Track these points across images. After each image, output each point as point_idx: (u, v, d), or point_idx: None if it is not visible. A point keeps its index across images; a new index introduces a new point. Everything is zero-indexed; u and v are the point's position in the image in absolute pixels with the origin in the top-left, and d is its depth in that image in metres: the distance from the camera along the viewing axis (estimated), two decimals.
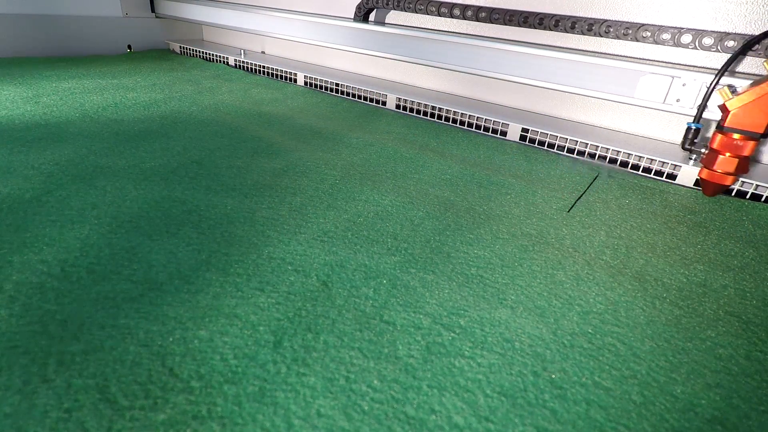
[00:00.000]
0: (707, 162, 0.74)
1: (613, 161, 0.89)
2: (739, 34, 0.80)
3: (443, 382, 0.36)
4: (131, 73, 1.37)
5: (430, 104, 1.12)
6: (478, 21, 1.07)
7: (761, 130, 0.68)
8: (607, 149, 0.89)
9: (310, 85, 1.38)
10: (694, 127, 0.77)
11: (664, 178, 0.84)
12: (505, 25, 1.04)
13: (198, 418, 0.31)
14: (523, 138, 1.00)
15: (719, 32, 0.81)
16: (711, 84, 0.73)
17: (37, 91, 1.08)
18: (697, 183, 0.81)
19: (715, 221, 0.67)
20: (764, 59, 0.77)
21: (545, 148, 0.97)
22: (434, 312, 0.44)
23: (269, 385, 0.34)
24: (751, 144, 0.70)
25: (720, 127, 0.72)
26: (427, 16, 1.20)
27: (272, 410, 0.32)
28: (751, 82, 0.72)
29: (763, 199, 0.76)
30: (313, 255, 0.51)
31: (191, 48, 1.69)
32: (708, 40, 0.81)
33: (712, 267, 0.55)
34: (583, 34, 0.94)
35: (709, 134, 0.87)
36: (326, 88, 1.34)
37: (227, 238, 0.53)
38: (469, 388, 0.36)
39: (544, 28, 0.98)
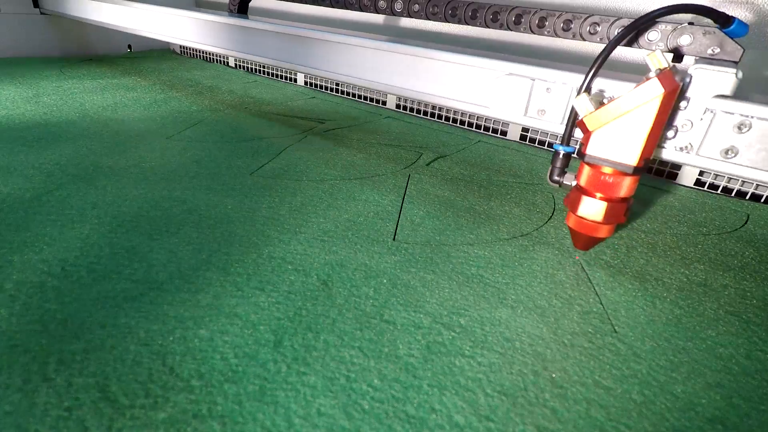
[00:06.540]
0: (570, 204, 0.50)
1: None
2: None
3: (444, 381, 0.36)
4: (131, 73, 1.37)
5: (431, 104, 1.12)
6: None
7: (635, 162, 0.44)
8: None
9: (310, 85, 1.38)
10: (562, 151, 0.52)
11: (664, 178, 0.84)
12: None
13: (198, 417, 0.31)
14: (523, 138, 1.00)
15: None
16: (581, 88, 0.47)
17: (37, 90, 1.08)
18: (697, 183, 0.81)
19: (715, 221, 0.67)
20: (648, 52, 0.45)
21: (545, 147, 0.97)
22: (434, 311, 0.44)
23: (270, 384, 0.34)
24: (627, 180, 0.45)
25: (581, 155, 0.48)
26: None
27: (273, 409, 0.32)
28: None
29: (762, 199, 0.76)
30: (314, 254, 0.51)
31: (191, 48, 1.69)
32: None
33: (713, 267, 0.55)
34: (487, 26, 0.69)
35: None
36: (326, 88, 1.34)
37: (227, 237, 0.53)
38: (469, 387, 0.36)
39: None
